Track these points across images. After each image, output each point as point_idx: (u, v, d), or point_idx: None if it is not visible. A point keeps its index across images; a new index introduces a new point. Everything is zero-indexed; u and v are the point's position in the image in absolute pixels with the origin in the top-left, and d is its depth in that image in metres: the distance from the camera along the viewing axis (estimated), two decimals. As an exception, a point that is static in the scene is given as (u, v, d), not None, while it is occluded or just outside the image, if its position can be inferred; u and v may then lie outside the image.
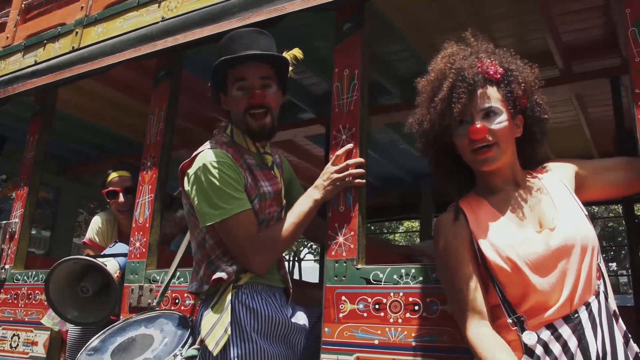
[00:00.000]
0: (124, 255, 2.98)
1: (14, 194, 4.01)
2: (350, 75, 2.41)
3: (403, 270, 2.11)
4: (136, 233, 2.93)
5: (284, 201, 2.36)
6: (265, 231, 2.14)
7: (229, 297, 2.06)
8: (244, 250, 2.08)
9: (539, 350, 1.57)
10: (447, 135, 1.82)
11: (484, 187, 1.85)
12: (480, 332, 1.65)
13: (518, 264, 1.64)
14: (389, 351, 2.05)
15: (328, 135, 4.55)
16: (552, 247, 1.64)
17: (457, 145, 1.81)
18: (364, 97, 2.38)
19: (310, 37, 3.50)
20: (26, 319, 3.42)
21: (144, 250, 2.87)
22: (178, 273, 2.63)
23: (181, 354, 1.96)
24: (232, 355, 2.00)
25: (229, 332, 2.00)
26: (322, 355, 2.16)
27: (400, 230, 22.64)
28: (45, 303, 3.21)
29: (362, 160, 2.28)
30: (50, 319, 3.12)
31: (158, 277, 2.76)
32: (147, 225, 2.90)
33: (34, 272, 3.50)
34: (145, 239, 2.88)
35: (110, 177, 3.53)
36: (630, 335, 1.62)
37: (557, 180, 1.82)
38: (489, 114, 1.74)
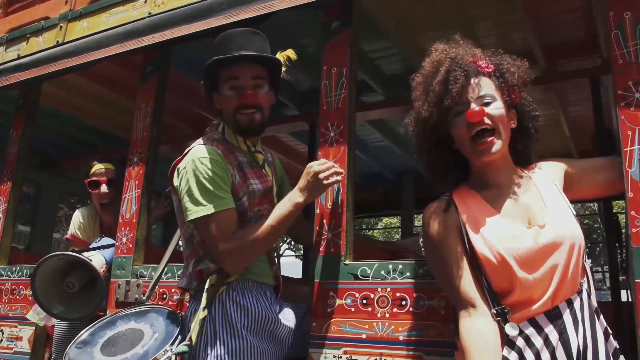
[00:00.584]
0: (111, 246, 2.99)
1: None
2: (338, 73, 2.44)
3: (390, 266, 2.14)
4: (123, 228, 2.93)
5: (276, 200, 2.38)
6: (240, 232, 2.11)
7: (205, 294, 2.09)
8: (217, 248, 2.08)
9: (520, 342, 1.60)
10: (445, 125, 1.83)
11: (477, 181, 1.87)
12: (470, 327, 1.65)
13: (506, 258, 1.66)
14: (377, 345, 2.08)
15: (312, 132, 4.63)
16: (540, 244, 1.66)
17: (455, 137, 1.83)
18: (351, 94, 2.41)
19: (296, 34, 3.52)
20: (10, 314, 3.40)
21: (130, 245, 2.87)
22: (166, 269, 2.64)
23: (171, 349, 1.97)
24: (222, 351, 2.03)
25: (202, 316, 2.04)
26: (311, 350, 2.19)
27: (379, 227, 22.73)
28: (30, 298, 3.21)
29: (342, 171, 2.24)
30: (35, 314, 3.12)
31: (145, 273, 2.77)
32: (134, 220, 2.90)
33: (17, 268, 3.48)
34: (132, 235, 2.88)
35: (94, 168, 3.52)
36: (610, 332, 1.65)
37: (547, 179, 1.86)
38: (486, 101, 1.77)
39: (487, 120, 1.75)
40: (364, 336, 2.11)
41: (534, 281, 1.64)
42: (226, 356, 2.03)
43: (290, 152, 5.62)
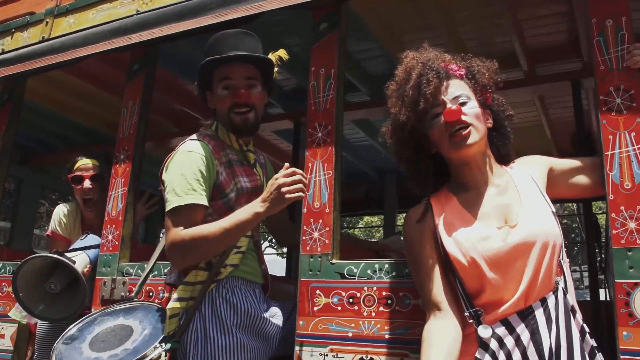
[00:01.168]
0: (96, 247, 2.99)
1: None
2: (326, 74, 2.46)
3: (377, 266, 2.17)
4: (109, 226, 2.93)
5: None
6: (191, 229, 2.07)
7: (191, 291, 2.12)
8: (167, 239, 2.09)
9: (493, 344, 1.63)
10: (422, 128, 1.84)
11: (457, 184, 1.90)
12: (431, 328, 1.72)
13: (476, 260, 1.69)
14: (363, 343, 2.11)
15: (296, 131, 4.66)
16: (510, 244, 1.68)
17: (433, 139, 1.85)
18: (339, 95, 2.44)
19: (282, 34, 3.54)
20: (-7, 311, 3.39)
21: (116, 243, 2.87)
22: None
23: (161, 346, 1.99)
24: (212, 348, 2.05)
25: (178, 304, 2.08)
26: (297, 347, 2.21)
27: (360, 225, 22.77)
28: (13, 295, 3.20)
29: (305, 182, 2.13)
30: (18, 311, 3.10)
31: (131, 270, 2.78)
32: (120, 218, 2.90)
33: (0, 264, 3.46)
34: (118, 232, 2.89)
35: (78, 163, 3.50)
36: (587, 330, 1.66)
37: (526, 176, 1.87)
38: (462, 101, 1.80)
39: (464, 119, 1.76)
40: (350, 334, 2.14)
41: (504, 282, 1.67)
42: (216, 352, 2.05)
43: (274, 150, 5.64)
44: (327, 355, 2.16)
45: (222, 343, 2.07)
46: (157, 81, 3.24)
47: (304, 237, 2.32)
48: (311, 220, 2.33)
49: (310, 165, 2.39)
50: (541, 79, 3.86)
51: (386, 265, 2.16)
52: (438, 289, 1.76)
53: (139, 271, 2.72)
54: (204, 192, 2.14)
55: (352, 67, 3.95)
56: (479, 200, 1.82)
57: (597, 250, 3.63)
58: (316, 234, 2.30)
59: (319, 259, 2.27)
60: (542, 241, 1.67)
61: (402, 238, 3.32)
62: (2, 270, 3.42)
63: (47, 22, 3.61)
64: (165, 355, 2.00)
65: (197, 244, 2.06)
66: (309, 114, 2.47)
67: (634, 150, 1.87)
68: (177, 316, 2.10)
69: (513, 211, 1.76)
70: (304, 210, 2.35)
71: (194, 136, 2.27)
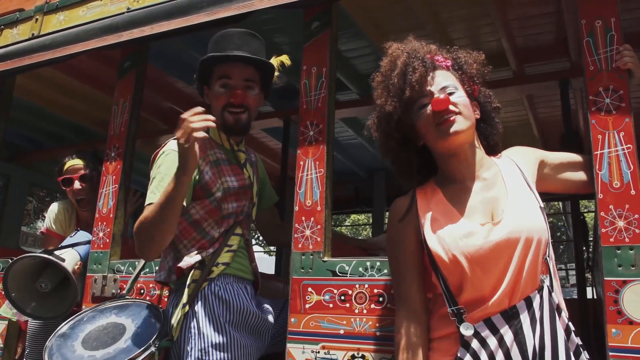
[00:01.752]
0: (87, 243, 2.98)
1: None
2: (318, 73, 2.47)
3: (368, 263, 2.19)
4: (99, 223, 2.93)
5: (256, 199, 2.42)
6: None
7: (187, 290, 2.12)
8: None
9: (474, 344, 1.60)
10: (409, 119, 1.82)
11: (443, 177, 1.87)
12: (404, 326, 1.75)
13: (457, 257, 1.66)
14: (354, 340, 2.12)
15: (286, 129, 4.66)
16: (492, 241, 1.65)
17: (420, 129, 1.81)
18: (331, 94, 2.44)
19: (272, 32, 3.55)
20: (-19, 309, 3.36)
21: (107, 240, 2.87)
22: (144, 264, 2.66)
23: (155, 345, 1.98)
24: (206, 345, 2.06)
25: (181, 313, 2.07)
26: (288, 345, 2.22)
27: (347, 223, 22.81)
28: (3, 293, 3.18)
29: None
30: (8, 308, 3.09)
31: (122, 268, 2.77)
32: (111, 215, 2.90)
33: (-11, 261, 3.44)
34: (109, 230, 2.88)
35: (66, 165, 3.49)
36: (573, 329, 1.64)
37: (514, 168, 1.84)
38: (449, 91, 1.77)
39: (452, 108, 1.73)
40: (341, 332, 2.15)
41: (485, 280, 1.64)
42: (210, 350, 2.06)
43: (264, 148, 5.65)
44: (318, 352, 2.17)
45: (215, 340, 2.08)
46: (147, 79, 3.24)
47: (295, 235, 2.33)
48: (303, 218, 2.33)
49: (302, 163, 2.39)
50: (530, 78, 3.89)
51: (378, 263, 2.17)
52: (414, 288, 1.78)
53: (130, 268, 2.72)
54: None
55: (342, 66, 3.96)
56: (465, 195, 1.79)
57: (584, 249, 3.67)
58: (308, 232, 2.31)
59: (311, 257, 2.28)
60: (526, 237, 1.64)
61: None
62: (-8, 267, 3.40)
63: (36, 19, 3.59)
64: (159, 354, 2.00)
65: (143, 228, 2.03)
66: (300, 113, 2.47)
67: (623, 149, 1.89)
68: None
69: (499, 206, 1.73)
70: (296, 208, 2.36)
71: None
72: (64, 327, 2.19)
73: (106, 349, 2.00)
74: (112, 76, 3.25)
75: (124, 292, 2.50)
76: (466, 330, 1.62)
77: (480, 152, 1.85)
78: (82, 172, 3.45)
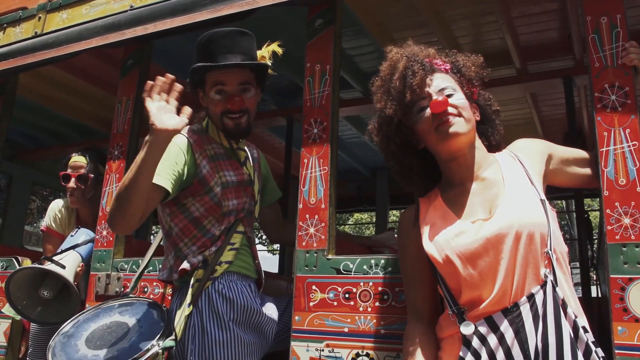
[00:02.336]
0: (88, 242, 2.97)
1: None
2: (322, 71, 2.46)
3: (373, 261, 2.18)
4: (103, 221, 2.92)
5: (257, 196, 2.41)
6: None
7: (191, 290, 2.11)
8: None
9: (475, 342, 1.59)
10: (409, 122, 1.82)
11: (445, 182, 1.87)
12: (411, 332, 1.79)
13: (450, 257, 1.66)
14: (358, 338, 2.12)
15: (289, 127, 4.66)
16: (481, 238, 1.63)
17: (420, 133, 1.81)
18: (335, 91, 2.44)
19: (275, 30, 3.52)
20: (-15, 308, 3.37)
21: (111, 239, 2.87)
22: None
23: (158, 344, 1.97)
24: (209, 343, 2.06)
25: (187, 312, 2.06)
26: (293, 343, 2.22)
27: (350, 222, 22.79)
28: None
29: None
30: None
31: (126, 266, 2.77)
32: (114, 214, 2.89)
33: (-8, 259, 3.44)
34: (112, 228, 2.88)
35: (70, 161, 3.49)
36: (582, 325, 1.58)
37: (515, 163, 1.83)
38: (448, 93, 1.76)
39: (451, 110, 1.72)
40: (346, 330, 2.15)
41: (479, 278, 1.62)
42: (214, 347, 2.06)
43: (268, 147, 5.64)
44: (322, 350, 2.17)
45: (219, 338, 2.08)
46: (151, 78, 3.23)
47: (299, 233, 2.33)
48: (307, 215, 2.33)
49: (306, 161, 2.39)
50: (533, 76, 3.88)
51: (382, 261, 2.17)
52: (420, 298, 1.83)
53: (134, 267, 2.72)
54: (168, 176, 2.07)
55: (345, 64, 3.96)
56: (464, 197, 1.78)
57: (588, 247, 3.66)
58: (312, 230, 2.31)
59: (315, 255, 2.27)
60: (515, 232, 1.60)
61: (395, 235, 3.35)
62: (-5, 265, 3.40)
63: (39, 18, 3.59)
64: (163, 353, 2.00)
65: (115, 199, 1.96)
66: (304, 111, 2.47)
67: (629, 146, 1.88)
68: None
69: (495, 204, 1.71)
70: (300, 206, 2.35)
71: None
72: (67, 326, 2.18)
73: (110, 348, 1.99)
74: (115, 75, 3.25)
75: (128, 290, 2.49)
76: (466, 328, 1.61)
77: (480, 153, 1.83)
78: (81, 171, 3.43)
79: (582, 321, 1.60)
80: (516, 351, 1.55)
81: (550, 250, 1.62)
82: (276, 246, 13.37)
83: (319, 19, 2.53)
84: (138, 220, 2.02)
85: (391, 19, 3.37)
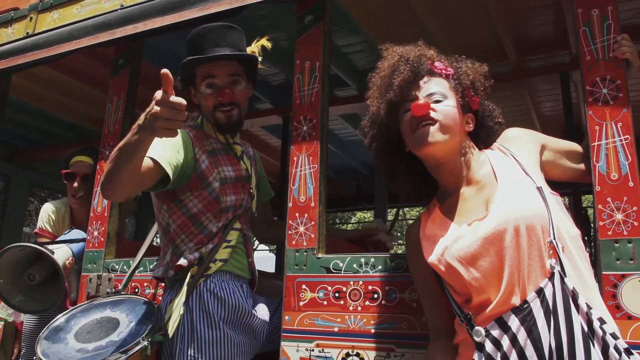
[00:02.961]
0: (81, 240, 2.96)
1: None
2: (311, 67, 2.44)
3: (362, 260, 2.15)
4: (94, 222, 2.90)
5: (255, 192, 2.40)
6: None
7: (186, 287, 2.09)
8: None
9: (488, 346, 1.52)
10: (393, 121, 1.79)
11: (442, 191, 1.83)
12: (432, 350, 1.78)
13: (451, 263, 1.62)
14: (349, 338, 2.09)
15: (285, 126, 4.63)
16: (479, 238, 1.59)
17: (403, 135, 1.78)
18: (324, 88, 2.41)
19: (269, 27, 3.51)
20: (-22, 310, 3.35)
21: (102, 239, 2.85)
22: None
23: (147, 339, 1.96)
24: (199, 342, 2.04)
25: (182, 311, 2.03)
26: (283, 343, 2.19)
27: (353, 221, 22.74)
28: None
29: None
30: (4, 309, 3.08)
31: (117, 267, 2.75)
32: (106, 214, 2.87)
33: (-15, 262, 3.42)
34: (103, 228, 2.86)
35: (73, 160, 3.49)
36: (597, 317, 1.47)
37: (507, 159, 1.77)
38: (435, 99, 1.72)
39: (432, 114, 1.68)
40: (336, 329, 2.13)
41: (485, 280, 1.57)
42: (203, 347, 2.04)
43: (263, 145, 5.62)
44: (313, 350, 2.14)
45: (209, 337, 2.06)
46: (146, 76, 3.22)
47: (289, 232, 2.30)
48: (297, 214, 2.31)
49: (295, 159, 2.37)
50: (530, 71, 3.85)
51: (372, 260, 2.14)
52: (432, 313, 1.82)
53: (125, 267, 2.70)
54: (167, 155, 2.00)
55: (340, 62, 3.94)
56: (459, 203, 1.74)
57: (587, 244, 3.63)
58: (302, 228, 2.28)
59: (305, 254, 2.25)
60: (514, 226, 1.55)
61: (384, 223, 3.33)
62: (-12, 268, 3.38)
63: (31, 18, 3.57)
64: (152, 348, 1.98)
65: (107, 175, 1.85)
66: (294, 108, 2.45)
67: (621, 141, 1.85)
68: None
69: (490, 202, 1.67)
70: (290, 204, 2.33)
71: None
72: (58, 320, 2.18)
73: (98, 342, 1.99)
74: (108, 74, 3.22)
75: (120, 287, 2.48)
76: (477, 334, 1.56)
77: (470, 156, 1.78)
78: (85, 170, 3.43)
79: (598, 312, 1.49)
80: (530, 352, 1.47)
81: (554, 239, 1.54)
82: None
83: (308, 15, 2.51)
84: (130, 190, 1.94)
85: (385, 15, 3.34)
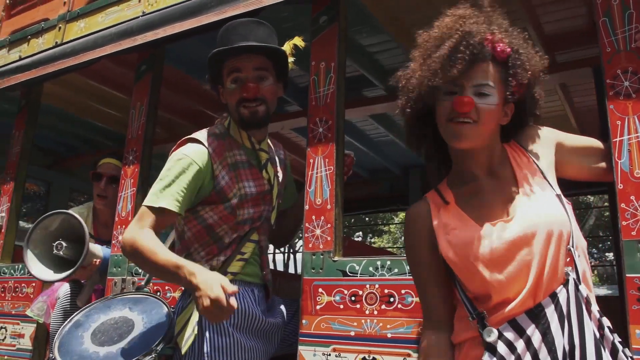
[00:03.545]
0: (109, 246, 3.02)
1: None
2: (326, 68, 2.42)
3: (379, 263, 2.12)
4: (119, 226, 2.95)
5: (275, 201, 2.30)
6: (144, 239, 1.98)
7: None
8: (125, 230, 2.07)
9: (501, 348, 1.48)
10: (430, 98, 1.67)
11: (455, 174, 1.74)
12: (426, 334, 1.69)
13: (472, 262, 1.56)
14: (365, 342, 2.07)
15: (313, 128, 4.61)
16: (507, 239, 1.53)
17: (437, 115, 1.67)
18: (340, 89, 2.39)
19: (291, 30, 3.49)
20: (13, 312, 3.45)
21: (126, 244, 2.88)
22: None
23: (156, 350, 1.96)
24: (209, 349, 2.03)
25: (196, 331, 2.01)
26: (300, 347, 2.18)
27: (396, 221, 22.57)
28: (32, 296, 3.25)
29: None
30: (35, 312, 3.14)
31: (140, 270, 2.78)
32: (130, 219, 2.90)
33: (20, 266, 3.51)
34: (128, 233, 2.90)
35: (101, 161, 3.54)
36: (608, 324, 1.48)
37: (524, 159, 1.71)
38: (481, 92, 1.60)
39: (472, 114, 1.58)
40: (352, 333, 2.10)
41: (507, 281, 1.52)
42: (213, 353, 2.02)
43: (294, 147, 5.60)
44: (329, 354, 2.12)
45: (219, 344, 2.04)
46: (171, 81, 3.25)
47: (306, 235, 2.29)
48: (313, 217, 2.29)
49: (311, 161, 2.35)
50: (561, 66, 3.72)
51: (388, 262, 2.11)
52: (435, 301, 1.69)
53: (149, 271, 2.73)
54: (181, 199, 2.04)
55: (366, 62, 3.89)
56: (478, 197, 1.66)
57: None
58: (318, 231, 2.26)
59: (321, 257, 2.23)
60: (546, 230, 1.50)
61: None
62: (22, 271, 3.48)
63: (59, 28, 3.66)
64: (160, 359, 1.98)
65: (135, 255, 1.99)
66: (309, 110, 2.43)
67: (644, 136, 1.77)
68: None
69: (513, 203, 1.60)
70: (306, 207, 2.31)
71: (200, 134, 2.19)
72: (79, 315, 2.20)
73: (110, 347, 1.99)
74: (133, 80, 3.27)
75: (142, 284, 2.51)
76: (489, 335, 1.50)
77: (496, 148, 1.71)
78: (112, 172, 3.47)
79: (607, 321, 1.50)
80: (544, 355, 1.45)
81: (573, 247, 1.52)
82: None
83: (323, 15, 2.50)
84: None
85: (406, 12, 3.28)
